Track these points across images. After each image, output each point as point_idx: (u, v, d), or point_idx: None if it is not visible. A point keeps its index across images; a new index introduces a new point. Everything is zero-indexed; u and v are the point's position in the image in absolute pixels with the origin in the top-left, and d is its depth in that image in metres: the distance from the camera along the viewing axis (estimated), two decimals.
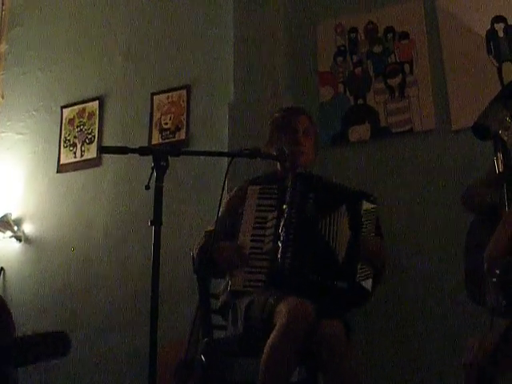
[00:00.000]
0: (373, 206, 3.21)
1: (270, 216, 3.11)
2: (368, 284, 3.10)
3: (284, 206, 3.09)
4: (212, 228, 3.41)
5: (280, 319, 2.76)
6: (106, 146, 4.98)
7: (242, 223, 3.15)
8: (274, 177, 3.44)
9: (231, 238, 3.24)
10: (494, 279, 2.06)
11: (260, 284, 2.99)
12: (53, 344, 2.68)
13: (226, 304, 3.23)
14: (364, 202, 3.18)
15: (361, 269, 3.08)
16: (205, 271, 3.25)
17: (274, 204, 3.14)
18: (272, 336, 2.75)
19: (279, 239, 3.03)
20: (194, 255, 3.30)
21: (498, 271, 2.06)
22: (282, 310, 2.78)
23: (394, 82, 4.39)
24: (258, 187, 3.22)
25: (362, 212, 3.15)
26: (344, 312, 3.10)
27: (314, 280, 3.02)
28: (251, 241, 3.10)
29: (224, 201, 3.46)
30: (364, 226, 3.15)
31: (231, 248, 3.12)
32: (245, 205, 3.18)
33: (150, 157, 2.41)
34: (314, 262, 3.03)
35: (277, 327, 2.75)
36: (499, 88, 3.80)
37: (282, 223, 3.06)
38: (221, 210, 3.47)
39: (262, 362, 2.75)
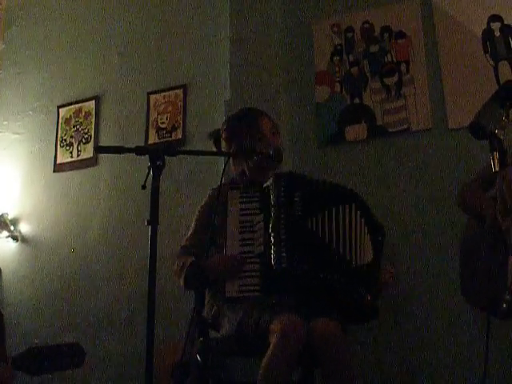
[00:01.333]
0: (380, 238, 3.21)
1: (257, 219, 3.09)
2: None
3: (271, 208, 3.05)
4: (187, 243, 3.39)
5: (273, 339, 2.77)
6: (103, 146, 4.97)
7: (227, 229, 3.11)
8: (243, 180, 3.40)
9: (213, 248, 3.24)
10: (505, 305, 2.05)
11: (255, 288, 2.96)
12: (68, 355, 2.69)
13: (218, 315, 3.21)
14: None
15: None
16: (198, 287, 3.24)
17: (258, 207, 3.11)
18: (267, 356, 2.77)
19: (270, 241, 3.00)
20: (181, 272, 3.22)
21: (508, 297, 2.05)
22: (275, 330, 2.79)
23: (391, 81, 4.39)
24: (238, 192, 3.19)
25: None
26: (352, 322, 3.10)
27: (323, 278, 3.00)
28: (240, 245, 3.07)
29: (196, 214, 3.47)
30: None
31: (224, 261, 3.08)
32: (227, 211, 3.14)
33: (147, 156, 2.41)
34: (312, 261, 3.00)
35: (270, 348, 2.77)
36: (495, 87, 3.79)
37: (270, 225, 3.02)
38: (193, 223, 3.46)
39: (258, 381, 2.77)
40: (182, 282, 3.22)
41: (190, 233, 3.43)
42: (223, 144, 3.46)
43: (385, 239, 3.18)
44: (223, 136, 3.46)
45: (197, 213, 3.46)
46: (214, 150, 3.56)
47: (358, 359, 3.76)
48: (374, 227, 3.15)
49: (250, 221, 3.11)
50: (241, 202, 3.15)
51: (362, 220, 3.09)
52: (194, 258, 3.20)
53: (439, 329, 3.90)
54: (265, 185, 3.15)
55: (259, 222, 3.07)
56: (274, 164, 3.29)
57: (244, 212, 3.13)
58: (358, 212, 3.08)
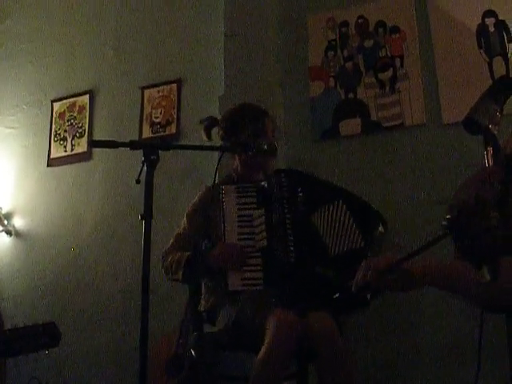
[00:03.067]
0: (383, 230, 3.26)
1: (256, 213, 3.11)
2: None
3: (272, 203, 3.09)
4: (179, 240, 3.36)
5: (267, 336, 2.79)
6: (97, 140, 4.97)
7: (224, 223, 3.11)
8: (232, 179, 3.41)
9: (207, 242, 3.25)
10: (445, 222, 2.05)
11: (259, 282, 3.00)
12: (43, 335, 2.69)
13: (215, 307, 3.21)
14: (380, 226, 3.24)
15: None
16: (197, 279, 3.23)
17: (256, 201, 3.14)
18: (261, 352, 2.78)
19: (275, 236, 3.03)
20: (177, 266, 3.20)
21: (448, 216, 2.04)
22: (270, 327, 2.81)
23: (385, 76, 4.39)
24: (233, 186, 3.21)
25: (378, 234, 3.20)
26: (342, 311, 3.12)
27: (318, 272, 3.03)
28: (239, 240, 3.09)
29: (187, 212, 3.44)
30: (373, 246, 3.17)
31: (226, 249, 3.08)
32: (223, 205, 3.15)
33: (141, 151, 2.41)
34: (313, 254, 3.05)
35: (265, 344, 2.79)
36: (490, 82, 3.80)
37: (274, 220, 3.06)
38: (185, 221, 3.41)
39: (252, 376, 2.78)
40: (178, 277, 3.20)
41: (180, 231, 3.40)
42: (220, 134, 3.43)
43: (381, 227, 3.24)
44: (222, 126, 3.43)
45: (188, 211, 3.44)
46: (204, 137, 3.53)
47: (354, 354, 3.77)
48: (364, 218, 3.19)
49: (248, 215, 3.13)
50: (237, 197, 3.17)
51: (348, 213, 3.13)
52: (189, 253, 3.19)
53: (433, 318, 3.92)
54: (262, 183, 3.17)
55: (260, 217, 3.09)
56: (269, 159, 3.29)
57: (241, 206, 3.15)
58: (344, 206, 3.14)
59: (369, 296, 3.10)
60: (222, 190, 3.20)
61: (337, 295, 2.14)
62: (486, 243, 1.91)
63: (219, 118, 3.56)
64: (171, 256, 3.26)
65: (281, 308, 2.90)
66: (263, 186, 3.17)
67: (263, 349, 2.78)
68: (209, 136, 3.50)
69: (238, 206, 3.15)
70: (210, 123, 3.52)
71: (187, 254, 3.19)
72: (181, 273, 3.18)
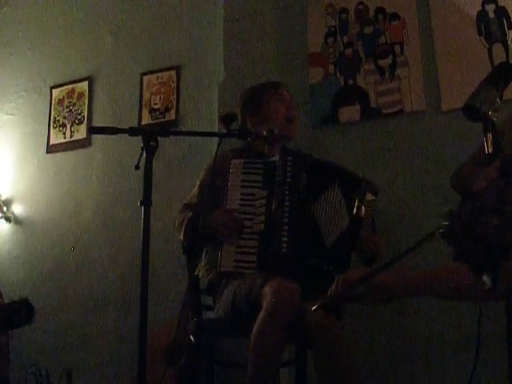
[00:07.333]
0: (374, 197, 3.20)
1: (259, 194, 3.05)
2: None
3: (275, 185, 3.04)
4: (190, 201, 3.36)
5: (266, 301, 2.75)
6: (96, 126, 4.97)
7: (226, 198, 3.09)
8: (251, 150, 3.40)
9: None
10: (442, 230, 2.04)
11: (251, 265, 2.97)
12: (16, 313, 2.70)
13: (214, 283, 3.20)
14: (368, 193, 3.16)
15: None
16: (198, 240, 3.21)
17: (261, 180, 3.08)
18: (259, 319, 2.74)
19: (272, 221, 3.00)
20: (181, 226, 3.21)
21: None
22: (268, 292, 2.76)
23: (385, 62, 4.38)
24: (241, 161, 3.14)
25: (365, 202, 3.13)
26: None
27: (310, 264, 3.01)
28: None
29: (201, 176, 3.43)
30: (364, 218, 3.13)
31: (224, 213, 3.06)
32: (228, 179, 3.11)
33: (140, 137, 2.41)
34: (308, 246, 3.02)
35: (263, 310, 2.75)
36: (489, 69, 3.79)
37: (273, 204, 3.02)
38: (197, 185, 3.40)
39: (250, 347, 2.74)
40: (181, 237, 3.21)
41: (193, 192, 3.40)
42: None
43: (370, 196, 3.18)
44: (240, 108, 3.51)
45: (201, 175, 3.43)
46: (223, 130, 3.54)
47: (354, 343, 3.78)
48: (350, 193, 3.14)
49: (251, 194, 3.07)
50: (243, 173, 3.10)
51: (342, 197, 3.10)
52: (191, 214, 3.19)
53: (432, 310, 3.92)
54: (270, 159, 3.15)
55: (262, 198, 3.04)
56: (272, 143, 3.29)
57: (245, 184, 3.09)
58: (339, 190, 3.10)
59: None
60: (231, 164, 3.15)
61: (314, 307, 2.12)
62: (483, 251, 1.90)
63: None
64: (179, 217, 3.27)
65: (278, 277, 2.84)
66: (271, 163, 3.12)
67: (260, 316, 2.74)
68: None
69: (242, 183, 3.09)
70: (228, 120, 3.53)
71: (190, 214, 3.20)
72: (183, 233, 3.19)
